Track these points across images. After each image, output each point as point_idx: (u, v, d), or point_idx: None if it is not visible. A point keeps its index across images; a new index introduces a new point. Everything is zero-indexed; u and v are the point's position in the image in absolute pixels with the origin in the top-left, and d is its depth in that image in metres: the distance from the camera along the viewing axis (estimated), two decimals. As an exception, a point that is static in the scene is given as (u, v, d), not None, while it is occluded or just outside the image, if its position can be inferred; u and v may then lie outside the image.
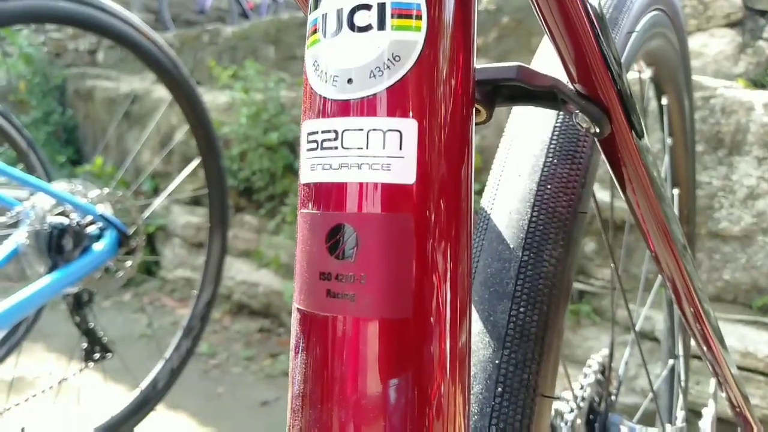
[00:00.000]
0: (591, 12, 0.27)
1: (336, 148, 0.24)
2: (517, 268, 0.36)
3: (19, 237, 1.02)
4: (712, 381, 0.59)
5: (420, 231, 0.23)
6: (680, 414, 0.79)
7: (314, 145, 0.25)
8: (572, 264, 0.38)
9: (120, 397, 1.24)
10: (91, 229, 1.06)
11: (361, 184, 0.23)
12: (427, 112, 0.23)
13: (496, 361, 0.34)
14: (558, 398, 0.51)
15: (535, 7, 0.28)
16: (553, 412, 0.48)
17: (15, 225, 1.05)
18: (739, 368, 1.29)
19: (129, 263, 1.12)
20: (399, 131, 0.23)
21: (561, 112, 0.38)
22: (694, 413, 1.22)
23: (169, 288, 2.83)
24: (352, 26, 0.24)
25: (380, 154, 0.23)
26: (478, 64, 0.27)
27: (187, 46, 3.24)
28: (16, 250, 1.02)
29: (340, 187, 0.24)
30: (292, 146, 2.36)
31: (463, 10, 0.25)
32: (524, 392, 0.34)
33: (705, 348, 0.48)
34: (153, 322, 2.42)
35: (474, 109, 0.26)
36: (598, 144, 0.34)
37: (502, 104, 0.30)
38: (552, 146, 0.40)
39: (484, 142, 1.83)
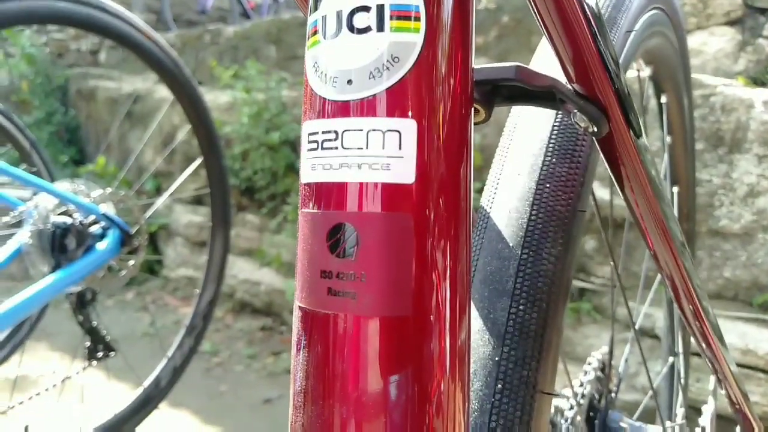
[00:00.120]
0: (588, 12, 0.28)
1: (336, 148, 0.24)
2: (516, 266, 0.36)
3: (23, 236, 1.02)
4: (712, 378, 0.59)
5: (420, 230, 0.23)
6: (680, 411, 0.79)
7: (315, 145, 0.25)
8: (571, 262, 0.38)
9: (123, 396, 1.25)
10: (94, 229, 1.06)
11: (361, 183, 0.23)
12: (427, 112, 0.24)
13: (496, 359, 0.34)
14: (558, 395, 0.51)
15: (532, 6, 0.28)
16: (553, 409, 0.48)
17: (18, 224, 1.05)
18: (740, 365, 1.29)
19: (132, 262, 1.13)
20: (398, 131, 0.23)
21: (560, 112, 0.39)
22: (694, 410, 1.22)
23: (171, 287, 2.83)
24: (351, 28, 0.24)
25: (380, 154, 0.23)
26: (478, 63, 0.27)
27: (188, 46, 3.25)
28: (20, 250, 1.03)
29: (341, 187, 0.24)
30: (294, 145, 2.36)
31: (461, 11, 0.25)
32: (524, 389, 0.34)
33: (704, 345, 0.48)
34: (156, 321, 2.43)
35: (473, 109, 0.26)
36: (596, 143, 0.34)
37: (500, 104, 0.30)
38: (551, 145, 0.40)
39: (485, 141, 1.83)
